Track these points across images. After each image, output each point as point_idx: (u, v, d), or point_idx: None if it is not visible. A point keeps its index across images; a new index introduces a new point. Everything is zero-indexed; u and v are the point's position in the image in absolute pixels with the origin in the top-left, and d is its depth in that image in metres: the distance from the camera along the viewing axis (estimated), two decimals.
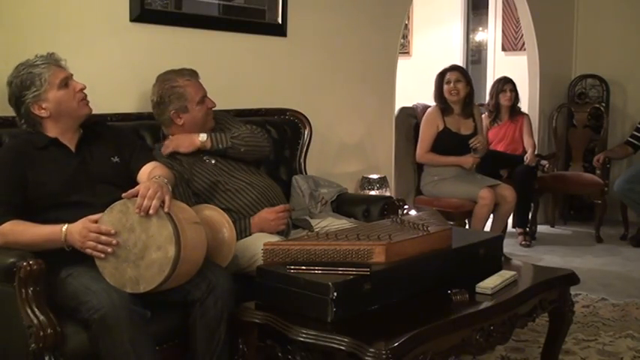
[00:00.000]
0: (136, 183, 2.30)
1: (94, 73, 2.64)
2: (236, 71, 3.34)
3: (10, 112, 2.32)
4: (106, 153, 2.38)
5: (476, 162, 4.44)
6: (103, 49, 2.83)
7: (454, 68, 4.56)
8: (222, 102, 3.21)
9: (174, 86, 2.68)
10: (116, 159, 2.39)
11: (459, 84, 4.42)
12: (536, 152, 5.19)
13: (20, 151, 2.21)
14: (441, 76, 4.50)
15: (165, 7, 3.03)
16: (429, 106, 4.60)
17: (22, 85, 2.22)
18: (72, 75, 2.31)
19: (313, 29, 3.73)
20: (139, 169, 2.40)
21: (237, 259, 2.52)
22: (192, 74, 2.75)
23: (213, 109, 2.80)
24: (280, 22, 3.50)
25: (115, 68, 2.87)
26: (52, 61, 2.28)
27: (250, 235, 2.59)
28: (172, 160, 2.64)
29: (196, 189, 2.66)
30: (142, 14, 2.90)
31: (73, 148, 2.31)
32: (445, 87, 4.44)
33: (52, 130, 2.27)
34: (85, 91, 2.32)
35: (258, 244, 2.32)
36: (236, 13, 3.34)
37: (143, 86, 2.88)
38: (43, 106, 2.23)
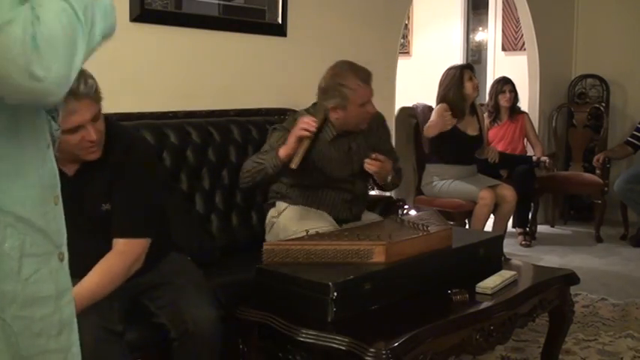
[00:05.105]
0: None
1: (93, 72, 2.61)
2: (236, 71, 3.33)
3: None
4: (98, 197, 2.03)
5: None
6: (102, 48, 2.81)
7: (469, 66, 4.51)
8: (223, 102, 3.22)
9: (343, 85, 2.70)
10: (107, 206, 2.03)
11: (476, 80, 4.40)
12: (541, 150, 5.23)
13: None
14: (461, 75, 4.31)
15: (165, 7, 3.03)
16: (429, 106, 4.57)
17: None
18: (99, 112, 1.97)
19: (313, 29, 3.73)
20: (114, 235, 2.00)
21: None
22: (367, 78, 2.74)
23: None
24: (280, 22, 3.50)
25: (115, 68, 2.86)
26: (84, 93, 1.90)
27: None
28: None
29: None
30: (142, 14, 2.90)
31: (71, 172, 2.02)
32: (469, 84, 4.29)
33: None
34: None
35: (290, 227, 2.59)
36: (236, 13, 3.34)
37: (143, 86, 2.88)
38: None
